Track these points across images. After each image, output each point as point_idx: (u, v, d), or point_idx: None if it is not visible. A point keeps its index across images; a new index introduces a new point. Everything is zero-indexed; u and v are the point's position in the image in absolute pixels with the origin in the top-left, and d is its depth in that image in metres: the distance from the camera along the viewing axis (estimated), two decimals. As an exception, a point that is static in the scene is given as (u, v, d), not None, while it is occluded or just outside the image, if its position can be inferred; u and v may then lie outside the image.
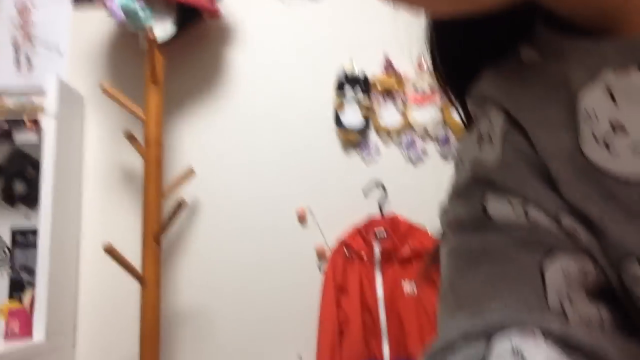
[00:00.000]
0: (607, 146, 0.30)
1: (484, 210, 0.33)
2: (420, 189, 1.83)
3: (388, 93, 1.88)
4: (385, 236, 1.72)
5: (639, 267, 0.30)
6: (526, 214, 0.32)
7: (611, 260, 0.31)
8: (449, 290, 0.33)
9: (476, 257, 0.32)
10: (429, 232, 1.76)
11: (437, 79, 0.42)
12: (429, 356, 0.30)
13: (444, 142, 1.87)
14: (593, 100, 0.31)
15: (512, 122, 0.34)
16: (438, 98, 1.87)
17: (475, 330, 0.28)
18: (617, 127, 0.30)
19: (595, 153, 0.31)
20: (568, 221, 0.31)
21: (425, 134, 1.88)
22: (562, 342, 0.27)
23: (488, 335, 0.27)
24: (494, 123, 0.36)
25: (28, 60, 1.99)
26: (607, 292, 0.32)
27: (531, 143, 0.33)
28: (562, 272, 0.30)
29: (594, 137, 0.31)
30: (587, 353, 0.27)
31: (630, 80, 0.30)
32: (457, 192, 0.36)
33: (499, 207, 0.32)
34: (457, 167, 0.39)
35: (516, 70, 0.36)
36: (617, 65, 0.31)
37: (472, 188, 0.35)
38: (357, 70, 1.90)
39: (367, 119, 1.88)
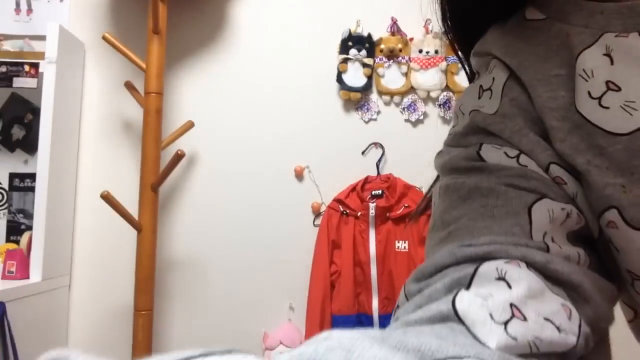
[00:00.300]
0: (600, 103, 0.32)
1: (478, 154, 0.35)
2: (418, 150, 1.83)
3: (392, 55, 1.86)
4: (381, 195, 1.74)
5: (619, 216, 0.32)
6: (518, 161, 0.34)
7: (594, 211, 0.34)
8: (440, 222, 0.35)
9: (468, 193, 0.34)
10: (424, 193, 1.78)
11: (446, 35, 0.44)
12: (418, 278, 0.32)
13: (445, 105, 1.86)
14: (592, 61, 0.33)
15: (514, 77, 0.36)
16: (442, 62, 1.85)
17: (465, 256, 0.30)
18: (611, 86, 0.32)
19: (588, 109, 0.33)
20: (557, 171, 0.34)
21: (428, 98, 1.87)
22: (543, 271, 0.29)
23: (477, 261, 0.29)
24: (497, 78, 0.38)
25: (29, 5, 1.96)
26: (587, 240, 0.35)
27: (529, 97, 0.35)
28: (547, 213, 0.32)
29: (589, 94, 0.33)
30: (564, 282, 0.30)
31: (630, 43, 0.32)
32: (455, 138, 0.38)
33: (493, 153, 0.35)
34: (457, 117, 0.41)
35: (521, 29, 0.37)
36: (618, 29, 0.33)
37: (469, 135, 0.37)
38: (363, 31, 1.88)
39: (369, 80, 1.87)
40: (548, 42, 0.36)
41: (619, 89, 0.32)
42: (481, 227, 0.31)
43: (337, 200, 1.77)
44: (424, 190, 1.78)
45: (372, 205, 1.72)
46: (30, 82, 1.81)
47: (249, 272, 1.84)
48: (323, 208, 1.82)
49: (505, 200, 0.32)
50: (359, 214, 1.73)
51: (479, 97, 0.38)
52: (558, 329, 0.27)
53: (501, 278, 0.28)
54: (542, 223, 0.31)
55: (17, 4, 1.95)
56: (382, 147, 1.85)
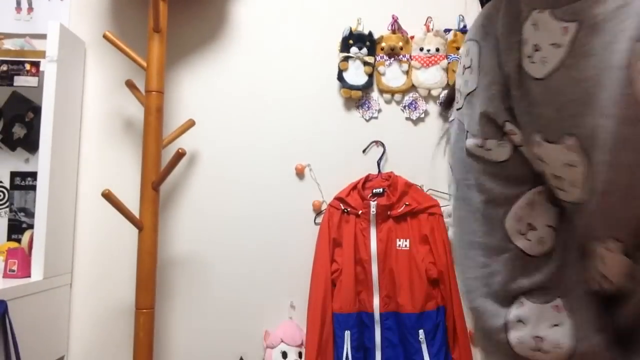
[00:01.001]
0: (531, 60, 0.47)
1: (466, 148, 0.53)
2: (419, 149, 1.83)
3: (393, 53, 1.86)
4: (382, 193, 1.74)
5: (540, 136, 0.47)
6: (483, 147, 0.52)
7: (528, 140, 0.49)
8: (464, 257, 0.54)
9: (469, 239, 0.53)
10: (425, 191, 1.78)
11: None
12: (483, 331, 0.50)
13: (446, 103, 1.86)
14: (527, 30, 0.47)
15: (487, 48, 0.52)
16: (443, 60, 1.85)
17: (498, 317, 0.49)
18: (537, 47, 0.46)
19: (526, 64, 0.48)
20: (508, 126, 0.50)
21: (429, 96, 1.87)
22: (530, 289, 0.48)
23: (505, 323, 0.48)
24: (473, 58, 0.53)
25: (29, 4, 1.96)
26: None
27: (499, 62, 0.50)
28: (513, 216, 0.49)
29: (526, 54, 0.47)
30: (546, 284, 0.48)
31: (544, 17, 0.46)
32: (457, 121, 0.56)
33: (472, 145, 0.52)
34: (457, 95, 0.57)
35: (501, 3, 0.52)
36: (541, 7, 0.46)
37: (460, 123, 0.55)
38: (364, 29, 1.88)
39: (370, 78, 1.87)
40: (511, 15, 0.50)
41: (540, 49, 0.46)
42: (487, 264, 0.51)
43: (338, 199, 1.77)
44: (425, 188, 1.78)
45: (373, 204, 1.72)
46: (31, 81, 1.80)
47: (250, 270, 1.85)
48: (324, 206, 1.82)
49: (488, 226, 0.51)
50: (360, 212, 1.73)
51: (463, 73, 0.55)
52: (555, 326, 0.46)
53: (520, 320, 0.48)
54: (512, 226, 0.49)
55: (18, 3, 1.94)
56: (383, 145, 1.84)
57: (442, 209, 1.72)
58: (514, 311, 0.48)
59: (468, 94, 0.53)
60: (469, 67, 0.53)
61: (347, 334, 1.65)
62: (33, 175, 1.84)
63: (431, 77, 1.85)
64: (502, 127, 0.50)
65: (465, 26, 1.87)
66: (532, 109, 0.47)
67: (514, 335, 0.47)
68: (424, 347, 1.59)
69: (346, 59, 1.87)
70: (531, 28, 0.47)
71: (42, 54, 1.75)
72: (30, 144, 1.90)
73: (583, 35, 0.43)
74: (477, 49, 0.52)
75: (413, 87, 1.87)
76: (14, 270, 1.62)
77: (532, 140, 0.47)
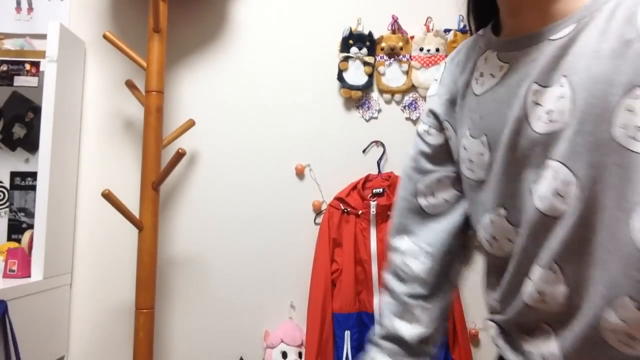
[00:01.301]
0: (476, 82, 0.67)
1: (416, 131, 0.79)
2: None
3: (393, 53, 1.86)
4: (382, 193, 1.74)
5: (467, 131, 0.68)
6: (427, 132, 0.76)
7: (459, 134, 0.71)
8: None
9: (399, 191, 0.81)
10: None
11: (468, 21, 0.78)
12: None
13: (446, 103, 1.86)
14: (480, 62, 0.69)
15: (455, 67, 0.74)
16: (443, 60, 1.85)
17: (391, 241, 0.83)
18: (483, 74, 0.67)
19: (473, 85, 0.69)
20: (446, 125, 0.73)
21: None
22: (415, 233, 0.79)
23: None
24: (440, 71, 0.78)
25: (29, 4, 1.96)
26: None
27: (455, 80, 0.72)
28: (425, 183, 0.76)
29: (475, 77, 0.68)
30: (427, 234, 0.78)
31: (493, 56, 0.66)
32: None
33: (420, 129, 0.78)
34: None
35: (470, 42, 0.75)
36: (491, 49, 0.67)
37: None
38: (364, 29, 1.88)
39: (370, 78, 1.87)
40: (473, 50, 0.72)
41: (483, 76, 0.67)
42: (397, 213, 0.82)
43: (338, 199, 1.77)
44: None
45: (373, 204, 1.72)
46: (31, 81, 1.80)
47: (250, 270, 1.85)
48: (324, 206, 1.82)
49: (407, 184, 0.80)
50: (360, 212, 1.73)
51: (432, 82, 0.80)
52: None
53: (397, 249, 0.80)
54: (420, 189, 0.77)
55: (18, 3, 1.94)
56: (383, 145, 1.84)
57: (442, 209, 1.72)
58: (397, 242, 0.78)
59: (429, 96, 0.78)
60: (435, 80, 0.78)
61: (347, 334, 1.65)
62: (33, 175, 1.84)
63: (431, 77, 1.85)
64: (441, 123, 0.74)
65: (465, 26, 1.88)
66: (467, 113, 0.69)
67: (394, 256, 0.78)
68: (424, 347, 1.59)
69: (346, 59, 1.87)
70: (483, 61, 0.68)
71: (42, 54, 1.75)
72: (30, 144, 1.90)
73: (509, 74, 0.63)
74: (443, 67, 0.77)
75: (413, 87, 1.87)
76: (14, 270, 1.62)
77: (464, 134, 0.69)
